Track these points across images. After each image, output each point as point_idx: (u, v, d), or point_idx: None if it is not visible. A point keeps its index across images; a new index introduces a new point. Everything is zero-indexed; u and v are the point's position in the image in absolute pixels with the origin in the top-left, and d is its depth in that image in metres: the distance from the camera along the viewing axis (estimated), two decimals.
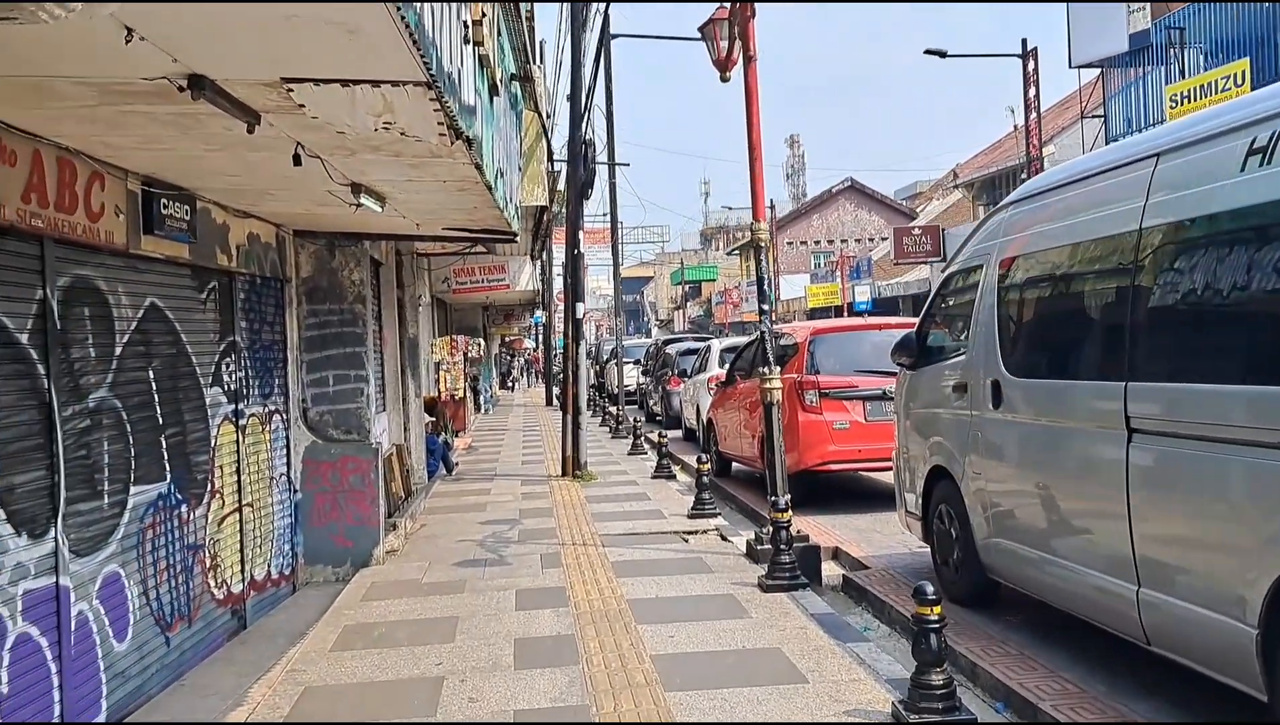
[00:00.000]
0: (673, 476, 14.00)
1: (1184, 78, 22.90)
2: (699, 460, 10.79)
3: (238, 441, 8.08)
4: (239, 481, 8.10)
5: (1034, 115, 25.11)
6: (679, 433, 20.29)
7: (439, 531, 10.75)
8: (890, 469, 10.87)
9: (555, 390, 34.49)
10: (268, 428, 8.92)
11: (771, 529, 7.89)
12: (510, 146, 8.20)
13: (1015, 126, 35.73)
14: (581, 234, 13.91)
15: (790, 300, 50.82)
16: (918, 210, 58.39)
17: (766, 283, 8.68)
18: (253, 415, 8.56)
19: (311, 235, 9.49)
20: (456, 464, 15.87)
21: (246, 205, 7.77)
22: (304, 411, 9.51)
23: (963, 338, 7.04)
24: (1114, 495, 5.04)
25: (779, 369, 8.72)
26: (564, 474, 14.44)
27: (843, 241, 62.82)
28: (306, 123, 4.99)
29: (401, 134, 5.10)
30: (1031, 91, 25.02)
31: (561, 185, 15.34)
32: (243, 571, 8.13)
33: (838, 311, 47.91)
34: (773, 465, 8.58)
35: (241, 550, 8.14)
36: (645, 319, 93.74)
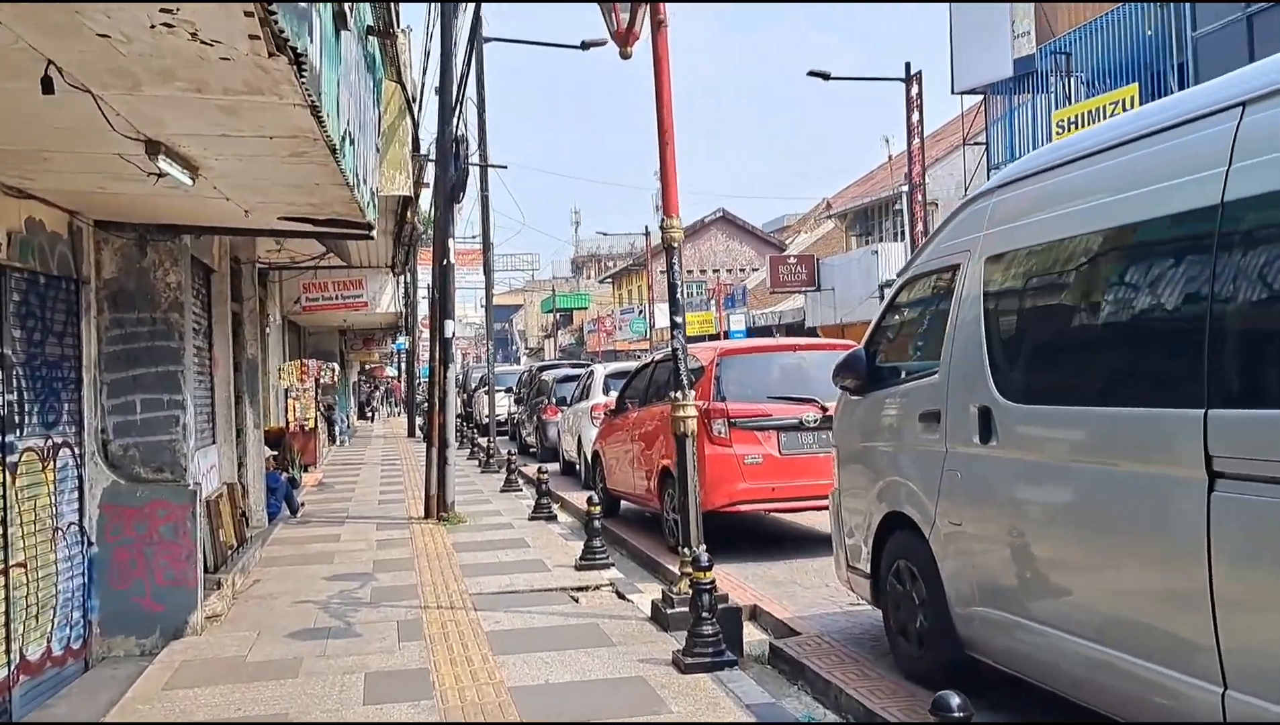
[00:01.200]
0: (553, 517, 12.40)
1: (1070, 104, 22.61)
2: (589, 501, 9.25)
3: (3, 483, 6.20)
4: (4, 535, 6.21)
5: (917, 140, 24.50)
6: (556, 466, 18.69)
7: (275, 589, 8.92)
8: (808, 510, 9.60)
9: (419, 421, 32.42)
10: (51, 465, 7.00)
11: (690, 591, 6.40)
12: (365, 114, 6.57)
13: (890, 156, 35.49)
14: (452, 243, 12.25)
15: (663, 328, 49.77)
16: (786, 242, 58.40)
17: (679, 291, 7.22)
18: (29, 449, 6.66)
19: (117, 226, 7.63)
20: (302, 504, 13.92)
21: (16, 176, 5.93)
22: (103, 444, 7.61)
23: (930, 356, 5.70)
24: (1185, 561, 3.72)
25: (692, 394, 7.24)
26: (428, 516, 12.69)
27: (714, 271, 62.37)
28: (45, 16, 3.32)
29: (195, 38, 3.46)
30: (915, 116, 24.44)
31: (425, 195, 13.65)
32: (8, 651, 6.23)
33: (712, 340, 47.21)
34: (685, 508, 7.10)
35: (7, 624, 6.24)
36: (514, 347, 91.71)
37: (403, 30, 7.91)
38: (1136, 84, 20.26)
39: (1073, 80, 22.81)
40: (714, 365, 9.50)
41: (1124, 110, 20.42)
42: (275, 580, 9.30)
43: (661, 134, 7.25)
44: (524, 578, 8.86)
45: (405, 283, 27.09)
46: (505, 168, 16.26)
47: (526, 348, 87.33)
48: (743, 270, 59.53)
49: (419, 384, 34.15)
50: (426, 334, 54.59)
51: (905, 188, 33.76)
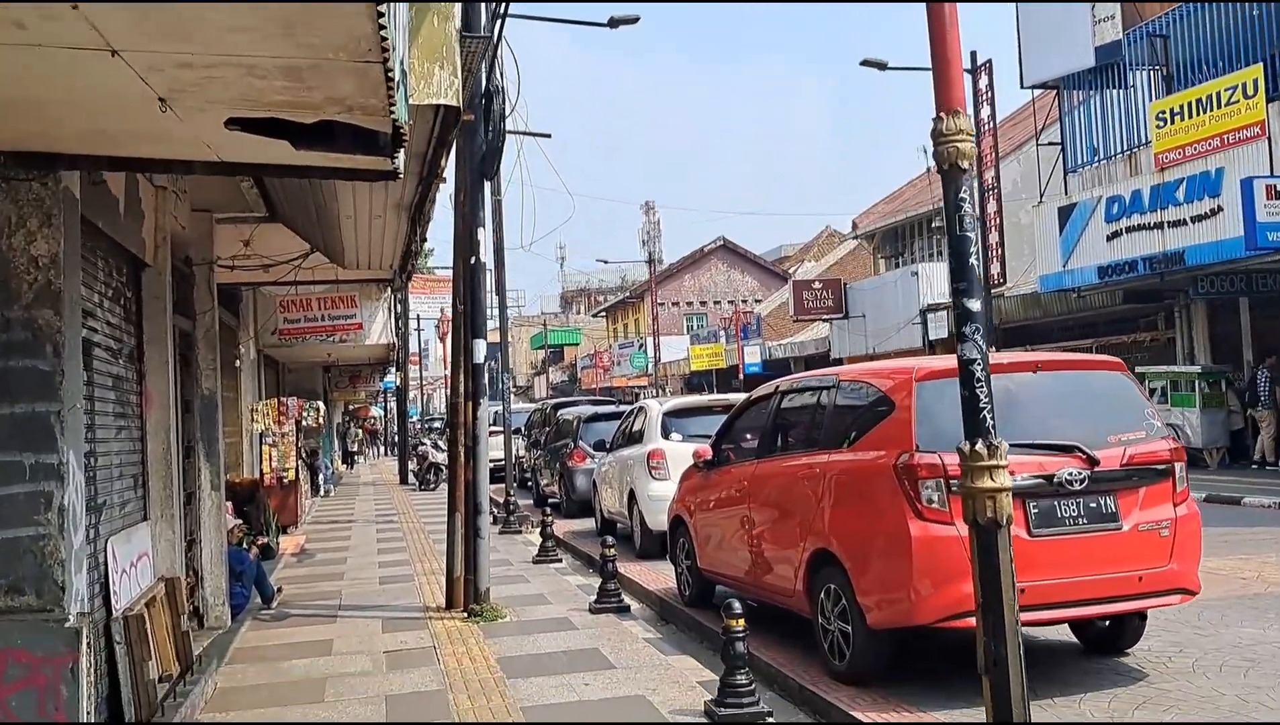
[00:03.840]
0: (624, 608, 9.00)
1: (1168, 93, 19.57)
2: (729, 611, 5.81)
3: None
4: None
5: (989, 140, 21.40)
6: (587, 523, 15.27)
7: None
8: (1082, 618, 6.30)
9: (411, 465, 28.91)
10: None
11: None
12: None
13: (929, 170, 32.39)
14: (483, 235, 8.91)
15: (669, 363, 46.43)
16: (789, 271, 55.43)
17: (970, 245, 3.93)
18: None
19: None
20: (278, 590, 10.45)
21: None
22: None
23: None
24: None
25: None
26: (451, 605, 9.27)
27: (716, 302, 59.29)
28: None
29: None
30: (985, 111, 21.34)
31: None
32: None
33: (723, 376, 43.86)
34: (997, 656, 3.74)
35: None
36: (500, 386, 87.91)
37: None
38: (1260, 64, 17.20)
39: (1170, 65, 19.79)
40: (910, 395, 6.14)
41: (1245, 96, 17.38)
42: None
43: None
44: None
45: (395, 313, 23.73)
46: (549, 136, 12.98)
47: (515, 386, 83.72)
48: (744, 301, 56.44)
49: (414, 424, 30.64)
50: (415, 371, 51.03)
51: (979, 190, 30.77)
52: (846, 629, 6.28)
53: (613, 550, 9.08)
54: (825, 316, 34.23)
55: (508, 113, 8.90)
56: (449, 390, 9.91)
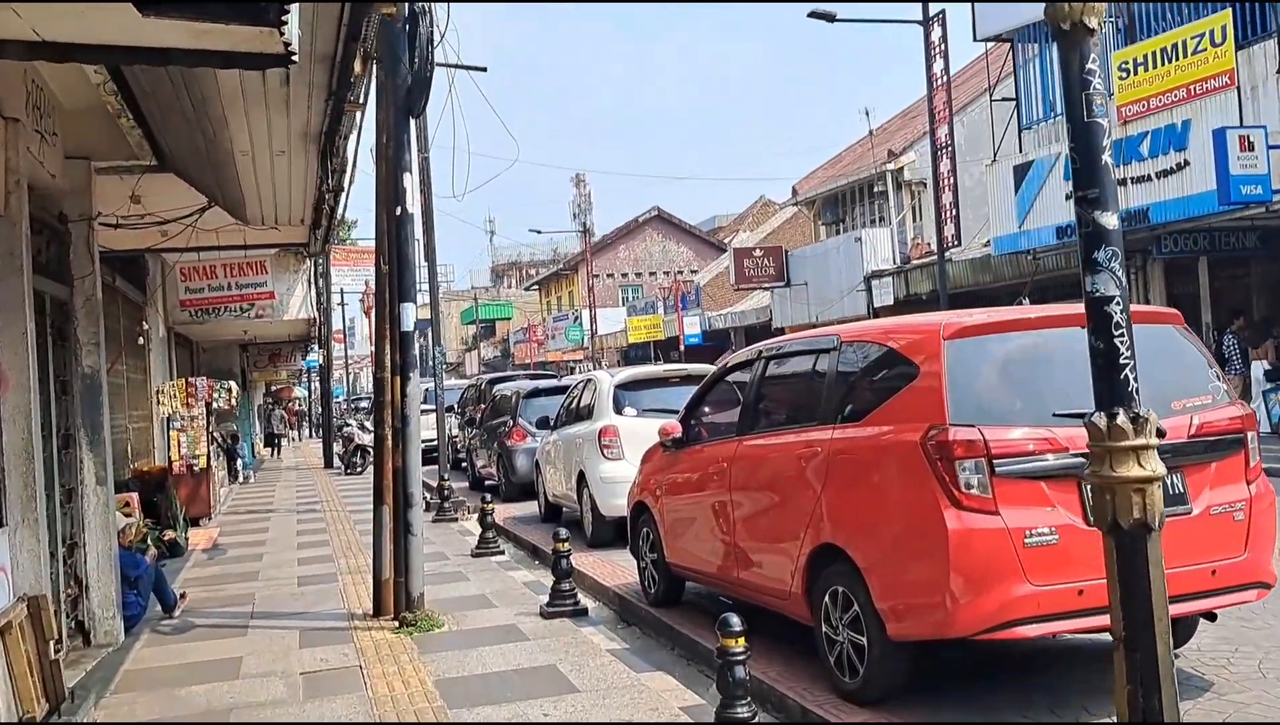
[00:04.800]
0: (582, 610, 7.86)
1: (1126, 45, 18.78)
2: (727, 629, 4.69)
3: None
4: None
5: (942, 96, 20.47)
6: (529, 507, 14.11)
7: None
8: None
9: (336, 447, 27.37)
10: None
11: None
12: None
13: (871, 131, 31.57)
14: (409, 181, 7.64)
15: (606, 335, 45.26)
16: (725, 241, 54.57)
17: (1104, 136, 2.82)
18: None
19: None
20: (182, 596, 9.12)
21: None
22: None
23: None
24: None
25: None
26: (380, 612, 8.05)
27: (651, 273, 58.20)
28: None
29: None
30: (938, 65, 20.40)
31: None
32: None
33: (662, 347, 42.77)
34: (1151, 673, 2.65)
35: None
36: (430, 362, 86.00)
37: None
38: (1229, 9, 16.43)
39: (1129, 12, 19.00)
40: (939, 357, 5.04)
41: (1212, 44, 16.64)
42: None
43: None
44: None
45: (316, 286, 22.20)
46: (484, 70, 11.49)
47: (446, 363, 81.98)
48: (680, 272, 55.40)
49: (339, 404, 29.14)
50: (340, 348, 49.13)
51: (890, 166, 29.98)
52: (859, 640, 5.21)
53: (566, 545, 7.91)
54: (767, 285, 33.32)
55: (437, 40, 7.60)
56: (374, 365, 8.64)
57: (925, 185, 28.73)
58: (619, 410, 11.07)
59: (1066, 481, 4.84)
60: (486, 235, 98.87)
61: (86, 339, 7.91)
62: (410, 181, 7.64)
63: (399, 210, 7.60)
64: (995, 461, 4.79)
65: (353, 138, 7.81)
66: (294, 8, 3.06)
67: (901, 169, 29.78)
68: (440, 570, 9.99)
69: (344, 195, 9.10)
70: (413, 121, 7.82)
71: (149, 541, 11.06)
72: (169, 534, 12.47)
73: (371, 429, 10.00)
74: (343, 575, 10.18)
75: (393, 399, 7.90)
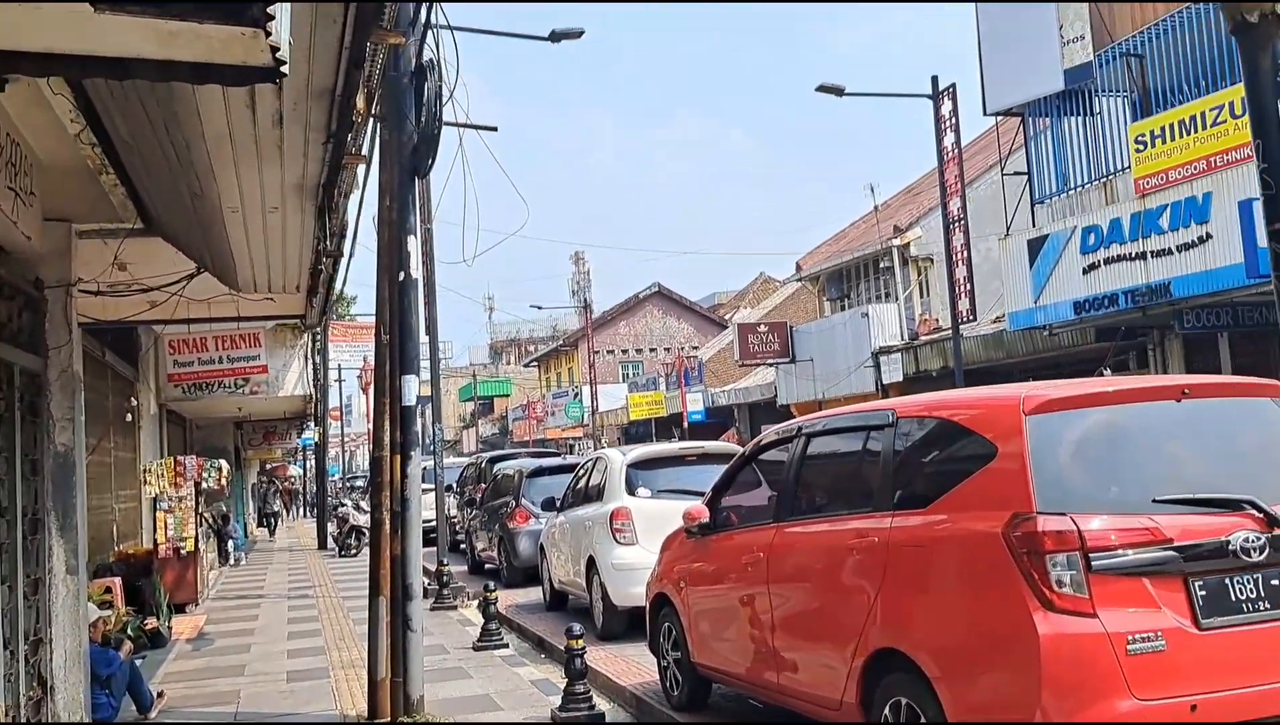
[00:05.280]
0: (599, 716, 7.13)
1: (1140, 118, 18.47)
2: None
3: None
4: None
5: (954, 169, 20.12)
6: (532, 593, 13.36)
7: None
8: None
9: (331, 528, 26.52)
10: None
11: None
12: None
13: (876, 207, 31.29)
14: (413, 244, 7.09)
15: (606, 412, 44.60)
16: (725, 318, 54.37)
17: None
18: None
19: None
20: (159, 695, 8.37)
21: None
22: None
23: None
24: None
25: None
26: (375, 714, 7.29)
27: (652, 350, 57.83)
28: None
29: None
30: (949, 139, 20.08)
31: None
32: None
33: (663, 425, 42.03)
34: None
35: None
36: (428, 440, 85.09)
37: None
38: (1242, 84, 16.12)
39: (1137, 89, 18.74)
40: (1020, 435, 4.43)
41: (1231, 116, 16.32)
42: None
43: None
44: None
45: (313, 361, 21.61)
46: (495, 130, 11.04)
47: (443, 440, 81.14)
48: (682, 348, 55.05)
49: (335, 483, 28.38)
50: (336, 426, 48.41)
51: (896, 241, 29.62)
52: None
53: (580, 642, 7.19)
54: (771, 360, 32.84)
55: (445, 97, 7.10)
56: (371, 443, 8.00)
57: (932, 261, 28.41)
58: (632, 491, 10.39)
59: (1171, 578, 4.19)
60: (485, 312, 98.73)
61: (60, 414, 7.28)
62: (414, 245, 7.08)
63: (401, 275, 7.04)
64: (1091, 555, 4.15)
65: (354, 197, 7.27)
66: (285, 8, 2.51)
67: (908, 244, 29.43)
68: (440, 665, 9.25)
69: (343, 262, 8.57)
70: (417, 183, 7.29)
71: (129, 631, 10.32)
72: (151, 622, 11.71)
73: (367, 509, 9.39)
74: (335, 670, 9.43)
75: (391, 479, 7.24)
